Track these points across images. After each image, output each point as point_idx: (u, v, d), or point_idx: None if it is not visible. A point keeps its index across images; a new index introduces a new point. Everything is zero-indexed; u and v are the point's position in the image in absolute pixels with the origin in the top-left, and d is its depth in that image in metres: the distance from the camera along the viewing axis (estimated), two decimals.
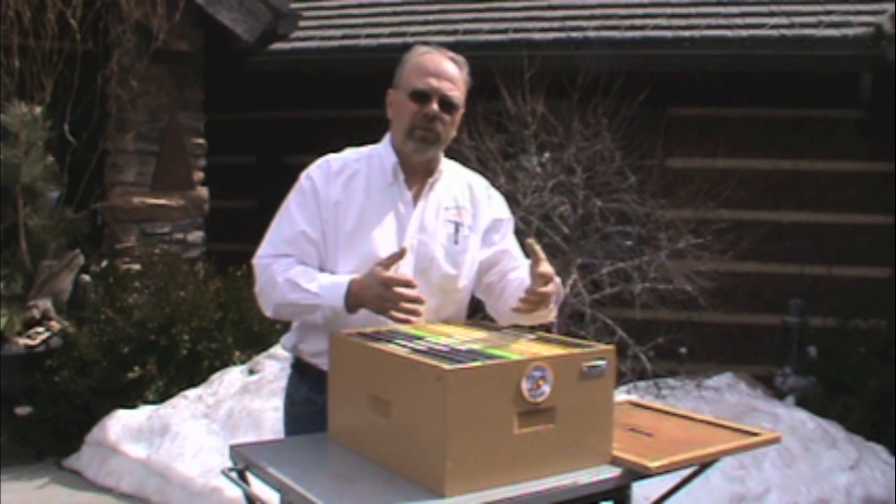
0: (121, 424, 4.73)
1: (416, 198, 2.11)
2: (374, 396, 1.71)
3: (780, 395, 5.49)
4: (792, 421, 4.54)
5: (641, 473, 1.70)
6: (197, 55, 5.93)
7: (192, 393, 4.93)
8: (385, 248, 2.04)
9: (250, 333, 5.42)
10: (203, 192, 6.02)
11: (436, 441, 1.54)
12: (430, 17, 6.95)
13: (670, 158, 6.21)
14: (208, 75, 6.06)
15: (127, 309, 5.07)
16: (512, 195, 4.66)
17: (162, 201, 5.80)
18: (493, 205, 2.23)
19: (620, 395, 2.13)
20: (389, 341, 1.78)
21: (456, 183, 2.19)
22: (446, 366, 1.55)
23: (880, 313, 5.70)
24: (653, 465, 1.69)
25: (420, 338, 1.82)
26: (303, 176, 2.13)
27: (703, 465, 1.88)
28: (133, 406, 4.89)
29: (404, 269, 2.03)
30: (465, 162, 2.40)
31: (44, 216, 5.28)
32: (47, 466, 4.89)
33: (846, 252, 6.15)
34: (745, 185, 5.90)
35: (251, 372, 5.13)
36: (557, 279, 1.97)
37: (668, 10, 6.49)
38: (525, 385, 1.60)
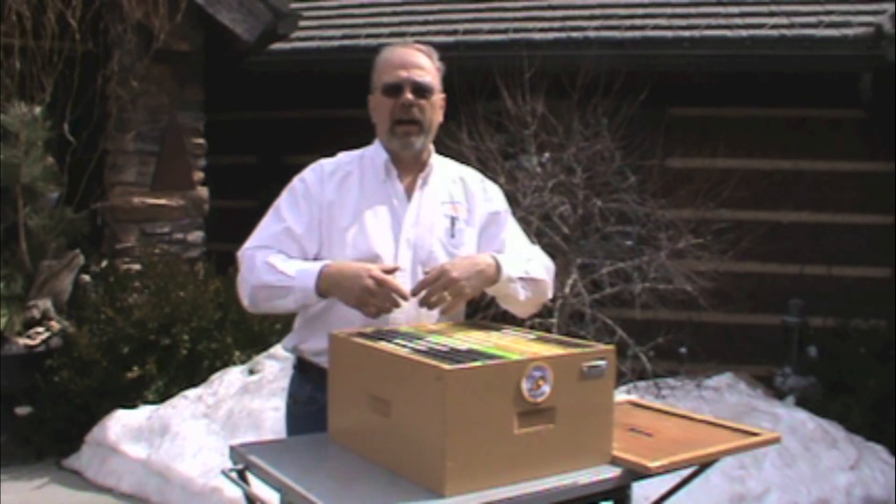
0: (121, 424, 4.73)
1: (409, 192, 2.13)
2: (374, 396, 1.71)
3: (780, 395, 5.49)
4: (792, 421, 4.54)
5: (641, 473, 1.70)
6: (197, 55, 5.92)
7: (192, 393, 4.93)
8: (381, 243, 2.06)
9: (250, 333, 5.42)
10: (203, 192, 6.02)
11: (436, 441, 1.54)
12: (430, 17, 6.95)
13: (670, 158, 6.21)
14: (208, 75, 6.06)
15: (127, 309, 5.08)
16: (512, 195, 4.66)
17: (162, 201, 5.80)
18: (488, 197, 2.23)
19: (620, 395, 2.13)
20: (389, 341, 1.78)
21: (449, 178, 2.21)
22: (446, 366, 1.55)
23: (880, 313, 5.71)
24: (653, 465, 1.69)
25: (420, 338, 1.82)
26: (296, 178, 2.15)
27: (703, 465, 1.87)
28: (133, 406, 4.90)
29: (403, 262, 2.04)
30: (465, 162, 2.40)
31: (44, 216, 5.27)
32: (47, 466, 4.89)
33: (846, 252, 6.15)
34: (745, 185, 5.89)
35: (251, 372, 5.13)
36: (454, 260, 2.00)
37: (668, 10, 6.49)
38: (525, 385, 1.60)
